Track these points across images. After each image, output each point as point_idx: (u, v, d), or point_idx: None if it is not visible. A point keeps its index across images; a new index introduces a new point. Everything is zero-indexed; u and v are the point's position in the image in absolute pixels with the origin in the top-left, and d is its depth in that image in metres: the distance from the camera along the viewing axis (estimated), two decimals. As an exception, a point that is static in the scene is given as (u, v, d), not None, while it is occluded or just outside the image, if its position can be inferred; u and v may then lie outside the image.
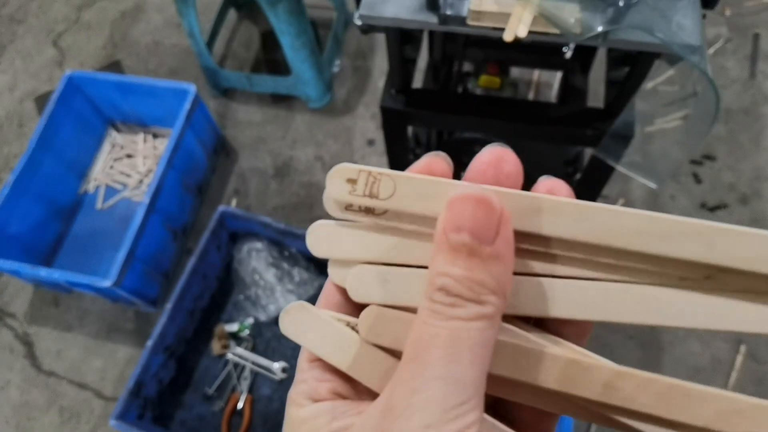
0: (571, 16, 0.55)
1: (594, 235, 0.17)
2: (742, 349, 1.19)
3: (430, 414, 0.15)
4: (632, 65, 0.67)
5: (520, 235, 0.18)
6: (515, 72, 1.52)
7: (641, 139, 0.75)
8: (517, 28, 0.53)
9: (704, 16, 0.70)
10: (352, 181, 0.18)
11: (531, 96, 1.50)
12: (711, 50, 1.52)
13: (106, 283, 1.10)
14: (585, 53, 1.04)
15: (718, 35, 1.54)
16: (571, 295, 0.18)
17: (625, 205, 1.35)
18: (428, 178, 0.18)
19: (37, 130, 1.28)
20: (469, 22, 0.59)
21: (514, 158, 0.18)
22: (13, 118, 1.59)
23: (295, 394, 0.20)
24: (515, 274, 0.18)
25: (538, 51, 1.06)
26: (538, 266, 0.18)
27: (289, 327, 0.20)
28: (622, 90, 0.71)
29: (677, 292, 0.17)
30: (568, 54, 1.11)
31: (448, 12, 0.60)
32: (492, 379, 0.17)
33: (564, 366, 0.18)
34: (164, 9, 1.74)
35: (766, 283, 0.16)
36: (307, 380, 0.20)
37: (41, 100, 1.59)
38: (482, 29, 0.58)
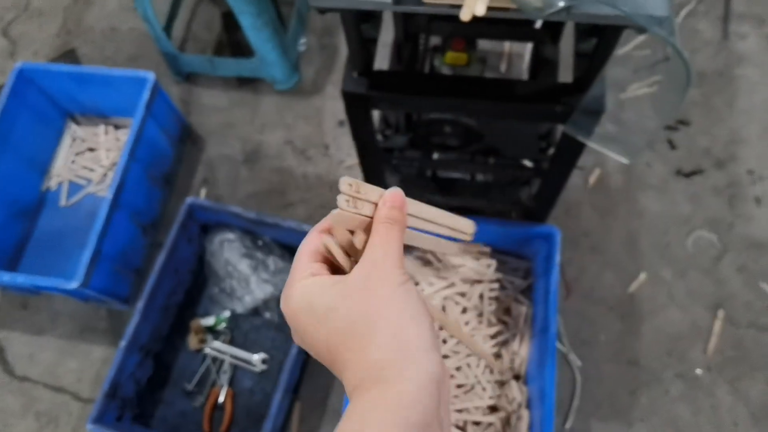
0: (532, -11, 0.51)
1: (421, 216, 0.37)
2: (720, 313, 1.19)
3: (392, 260, 0.32)
4: (599, 37, 0.64)
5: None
6: (486, 44, 1.48)
7: (613, 112, 0.73)
8: (475, 6, 0.50)
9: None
10: (349, 185, 0.32)
11: (503, 68, 1.47)
12: (683, 12, 1.49)
13: (73, 285, 1.06)
14: (554, 23, 1.01)
15: (690, -4, 1.52)
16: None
17: (602, 176, 1.34)
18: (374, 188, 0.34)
19: (-11, 128, 1.22)
20: (425, 0, 0.55)
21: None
22: (-35, 115, 1.52)
23: (297, 272, 0.34)
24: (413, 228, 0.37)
25: (506, 22, 1.03)
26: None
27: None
28: (591, 63, 0.68)
29: None
30: (538, 24, 1.07)
31: (403, -10, 0.56)
32: None
33: None
34: (119, -8, 1.66)
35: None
36: (309, 267, 0.34)
37: (-6, 95, 1.52)
38: (439, 7, 0.55)
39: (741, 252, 1.25)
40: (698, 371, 1.16)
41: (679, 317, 1.20)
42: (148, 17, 1.32)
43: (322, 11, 0.65)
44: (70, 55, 1.57)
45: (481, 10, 0.50)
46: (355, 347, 0.29)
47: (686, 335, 1.19)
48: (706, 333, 1.19)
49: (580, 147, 0.81)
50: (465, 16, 0.50)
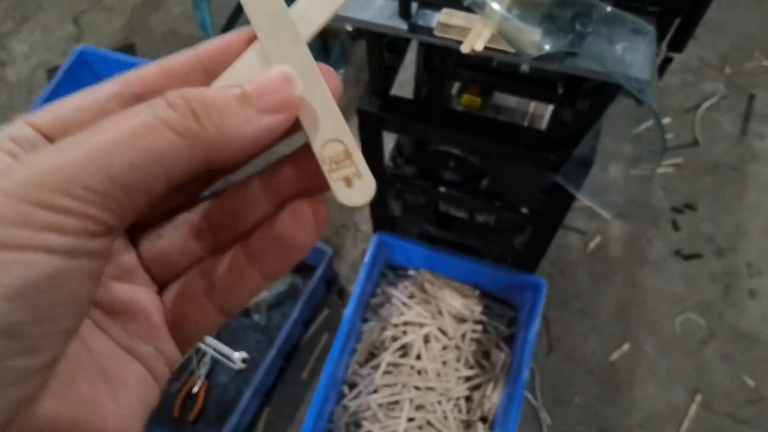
0: (530, 38, 0.58)
1: None
2: (698, 398, 1.19)
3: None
4: (593, 98, 0.70)
5: None
6: (513, 102, 1.55)
7: (599, 171, 0.77)
8: (475, 43, 0.56)
9: (669, 61, 0.73)
10: None
11: (525, 124, 1.53)
12: (706, 104, 1.54)
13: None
14: (573, 87, 1.07)
15: (715, 91, 1.57)
16: None
17: (602, 243, 1.37)
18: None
19: (41, 99, 1.32)
20: (436, 32, 0.62)
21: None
22: (23, 86, 1.64)
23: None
24: None
25: (529, 81, 1.09)
26: None
27: None
28: (584, 118, 0.73)
29: None
30: (561, 89, 1.14)
31: (419, 22, 0.63)
32: None
33: None
34: (184, 1, 1.80)
35: None
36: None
37: (52, 72, 1.65)
38: (447, 41, 0.61)
39: (728, 341, 1.25)
40: (667, 451, 1.15)
41: (657, 394, 1.20)
42: (205, 25, 1.43)
43: (357, 35, 0.73)
44: (128, 49, 1.70)
45: (479, 47, 0.56)
46: None
47: (661, 413, 1.19)
48: (681, 414, 1.18)
49: (566, 201, 0.85)
50: (465, 49, 0.56)
